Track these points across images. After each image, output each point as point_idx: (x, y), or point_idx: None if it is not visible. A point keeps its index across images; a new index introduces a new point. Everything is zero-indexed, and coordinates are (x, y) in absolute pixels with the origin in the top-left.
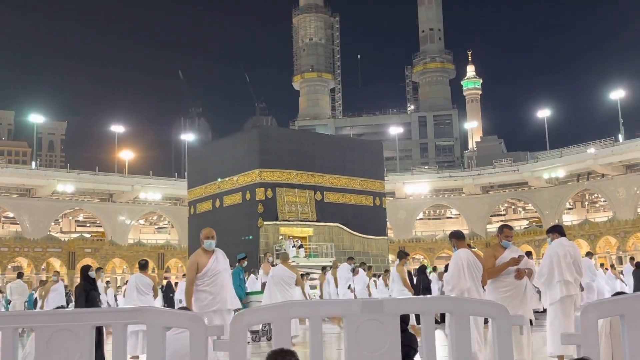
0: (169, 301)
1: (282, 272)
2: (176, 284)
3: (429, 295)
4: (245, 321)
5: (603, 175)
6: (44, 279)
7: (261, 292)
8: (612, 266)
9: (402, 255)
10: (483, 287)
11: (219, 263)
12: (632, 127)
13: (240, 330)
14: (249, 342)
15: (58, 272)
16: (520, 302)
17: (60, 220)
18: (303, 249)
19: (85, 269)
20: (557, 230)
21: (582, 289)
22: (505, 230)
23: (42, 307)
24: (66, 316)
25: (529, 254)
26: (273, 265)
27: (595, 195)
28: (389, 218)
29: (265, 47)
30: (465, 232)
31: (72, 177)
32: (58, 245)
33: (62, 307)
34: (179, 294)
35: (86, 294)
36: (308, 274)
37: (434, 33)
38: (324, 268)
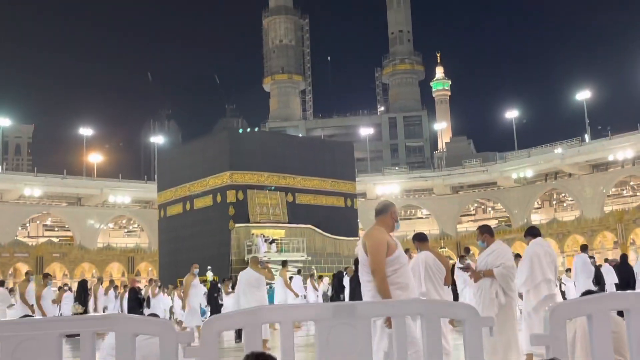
0: (214, 302)
1: (247, 276)
2: (216, 282)
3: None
4: (215, 327)
5: (570, 175)
6: (12, 284)
7: None
8: (568, 270)
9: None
10: (449, 286)
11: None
12: (599, 127)
13: (211, 336)
14: None
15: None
16: (479, 304)
17: (27, 224)
18: (275, 244)
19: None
20: (531, 233)
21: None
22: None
23: (183, 308)
24: (32, 325)
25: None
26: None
27: (563, 194)
28: (361, 219)
29: (235, 49)
30: (436, 232)
31: (39, 180)
32: (25, 250)
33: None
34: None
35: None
36: (321, 277)
37: (403, 35)
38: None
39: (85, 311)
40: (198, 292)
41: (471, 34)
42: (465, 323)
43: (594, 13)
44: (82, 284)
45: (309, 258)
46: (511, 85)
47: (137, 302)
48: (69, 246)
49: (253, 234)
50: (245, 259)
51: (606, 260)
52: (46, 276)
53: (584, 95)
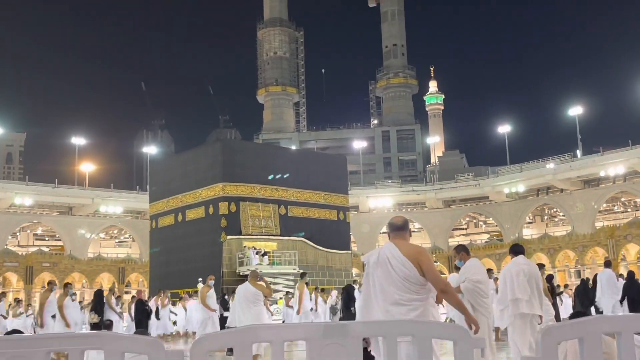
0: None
1: (245, 290)
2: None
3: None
4: (205, 346)
5: (562, 190)
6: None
7: None
8: (566, 286)
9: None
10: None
11: None
12: (590, 143)
13: (200, 356)
14: None
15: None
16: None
17: (17, 233)
18: (267, 257)
19: None
20: (512, 251)
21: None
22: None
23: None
24: (19, 342)
25: (489, 270)
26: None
27: (555, 209)
28: (353, 232)
29: (229, 60)
30: (428, 246)
31: (30, 189)
32: (15, 260)
33: None
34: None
35: None
36: (323, 289)
37: (397, 49)
38: None
39: (101, 321)
40: (214, 303)
41: (465, 49)
42: (456, 344)
43: (587, 29)
44: (99, 294)
45: (301, 271)
46: (504, 100)
47: (144, 314)
48: (59, 256)
49: (245, 247)
50: (237, 271)
51: (620, 275)
52: (66, 285)
53: (576, 111)
